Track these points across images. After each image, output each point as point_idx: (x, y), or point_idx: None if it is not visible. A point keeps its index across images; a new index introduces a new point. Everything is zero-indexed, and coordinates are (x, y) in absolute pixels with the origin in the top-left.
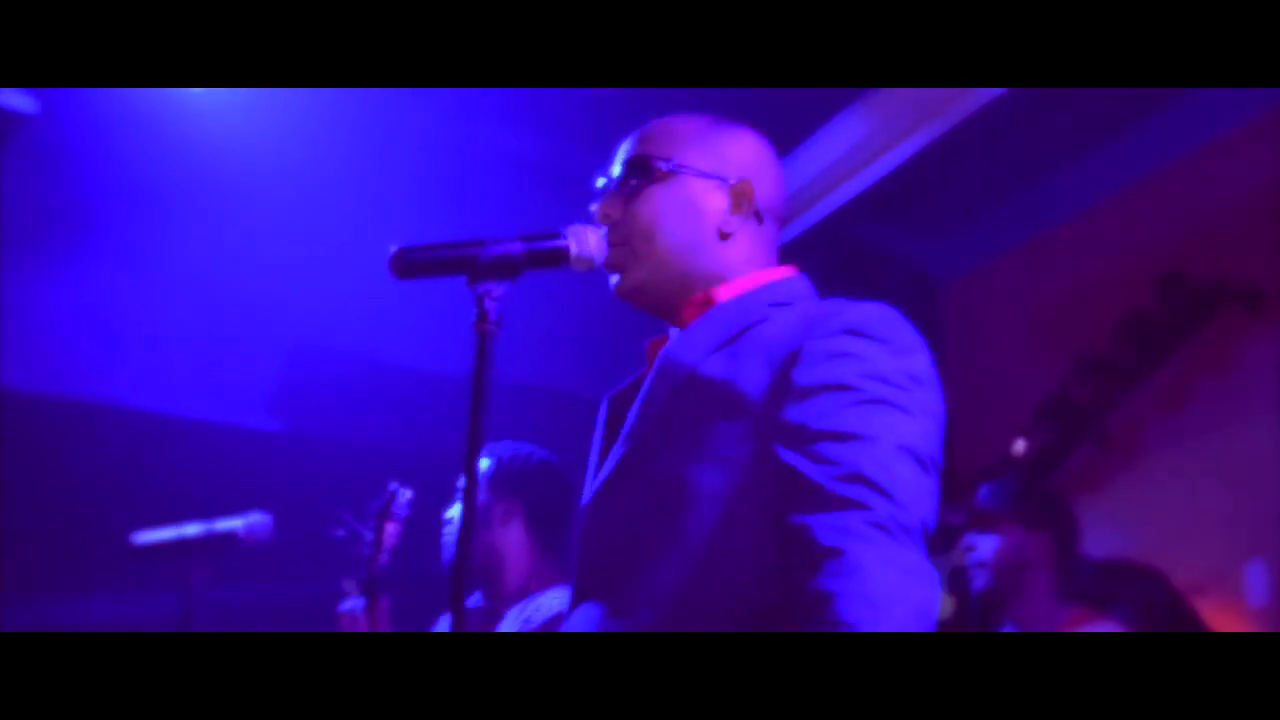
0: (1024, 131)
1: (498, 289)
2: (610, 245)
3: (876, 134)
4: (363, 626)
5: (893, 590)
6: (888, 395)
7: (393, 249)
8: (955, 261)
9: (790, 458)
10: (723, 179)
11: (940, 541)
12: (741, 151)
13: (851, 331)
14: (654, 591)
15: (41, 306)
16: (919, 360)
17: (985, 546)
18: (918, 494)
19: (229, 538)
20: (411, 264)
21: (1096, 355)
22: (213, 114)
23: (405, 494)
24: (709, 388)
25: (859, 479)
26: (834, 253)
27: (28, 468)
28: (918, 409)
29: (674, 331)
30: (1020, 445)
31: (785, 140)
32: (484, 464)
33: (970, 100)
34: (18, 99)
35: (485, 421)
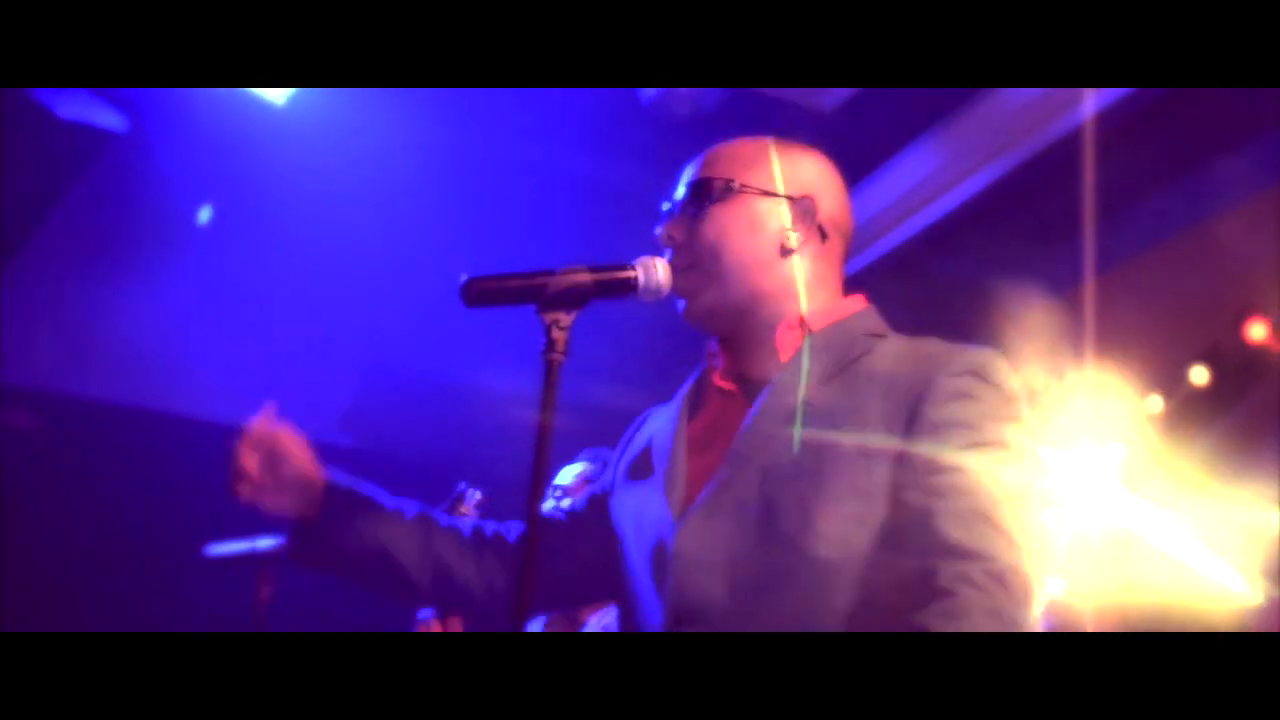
0: (1101, 163)
1: (565, 318)
2: (677, 270)
3: (952, 163)
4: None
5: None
6: (1007, 438)
7: (464, 278)
8: (1033, 290)
9: (915, 493)
10: (785, 195)
11: None
12: (803, 170)
13: (973, 372)
14: (774, 615)
15: (126, 321)
16: (1022, 405)
17: None
18: (1033, 537)
19: None
20: (482, 293)
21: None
22: (289, 134)
23: (475, 494)
24: (830, 419)
25: (982, 518)
26: (907, 282)
27: (109, 477)
28: (1026, 452)
29: (745, 351)
30: None
31: (860, 168)
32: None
33: (1049, 130)
34: (108, 116)
35: (550, 445)
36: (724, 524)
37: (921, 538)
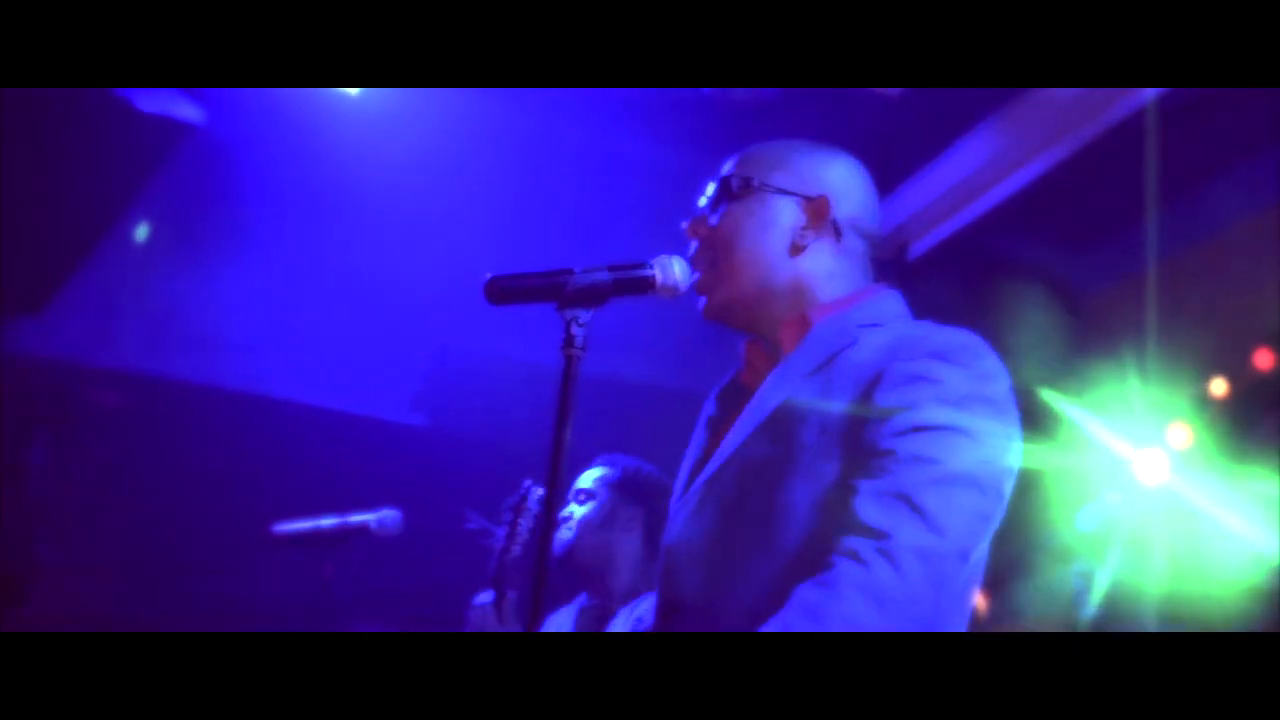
0: (1170, 143)
1: (585, 315)
2: (696, 267)
3: (1017, 144)
4: (492, 620)
5: (846, 611)
6: (958, 421)
7: (487, 277)
8: (1098, 274)
9: (851, 474)
10: (799, 195)
11: None
12: (823, 170)
13: (934, 355)
14: (743, 604)
15: (204, 304)
16: (998, 387)
17: None
18: (965, 520)
19: (361, 530)
20: (504, 292)
21: None
22: (361, 123)
23: (538, 491)
24: (803, 412)
25: (900, 498)
26: (972, 264)
27: (188, 454)
28: (988, 435)
29: (767, 347)
30: None
31: (925, 153)
32: (606, 472)
33: (1115, 109)
34: (186, 109)
35: (568, 436)
36: (707, 517)
37: (840, 516)
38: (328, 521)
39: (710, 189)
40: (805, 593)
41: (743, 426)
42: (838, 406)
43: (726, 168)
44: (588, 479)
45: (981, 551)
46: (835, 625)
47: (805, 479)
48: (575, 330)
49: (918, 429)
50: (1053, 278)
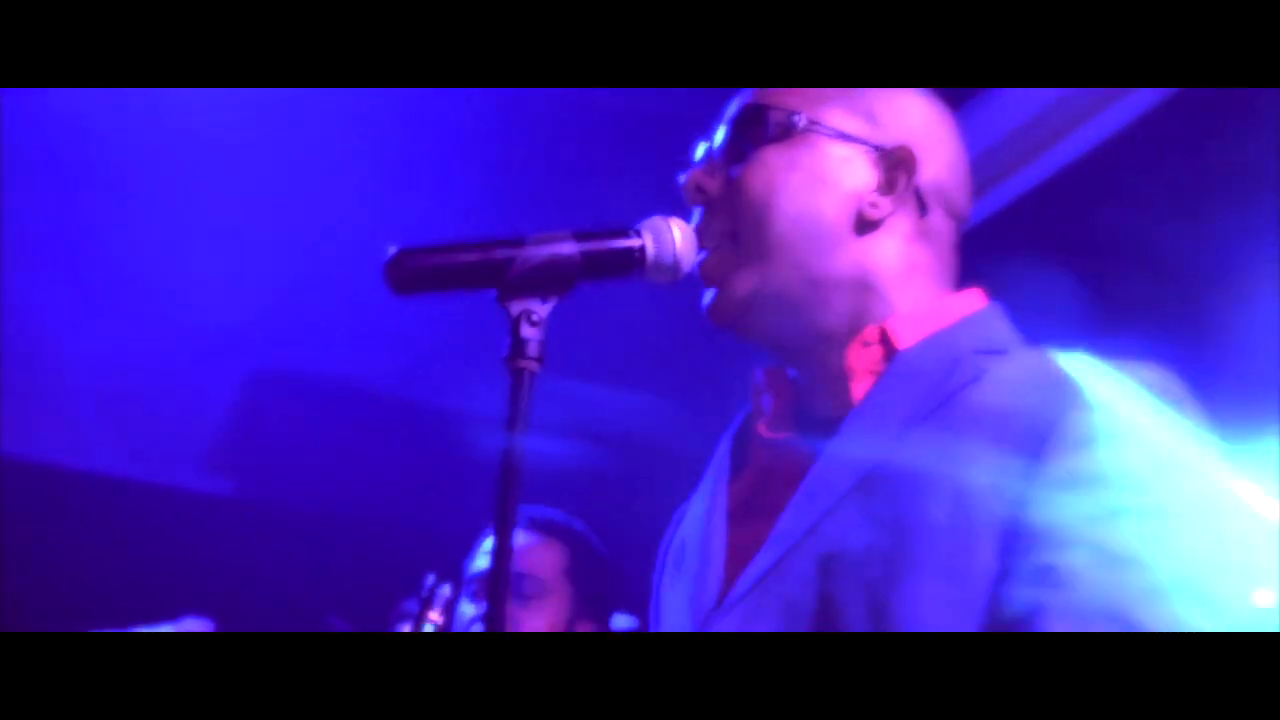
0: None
1: (541, 308)
2: (705, 239)
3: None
4: None
5: None
6: (1168, 498)
7: (391, 251)
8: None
9: (1022, 584)
10: (872, 144)
11: None
12: (902, 110)
13: (1122, 406)
14: None
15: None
16: (1202, 444)
17: None
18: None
19: None
20: (418, 274)
21: None
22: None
23: (445, 590)
24: (918, 479)
25: (1113, 624)
26: (1044, 246)
27: None
28: (1207, 516)
29: (809, 376)
30: None
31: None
32: (550, 549)
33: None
34: None
35: (519, 486)
36: (768, 627)
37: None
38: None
39: (721, 129)
40: None
41: (811, 499)
42: (976, 473)
43: (752, 95)
44: (481, 557)
45: None
46: None
47: (936, 579)
48: (527, 331)
49: (1117, 511)
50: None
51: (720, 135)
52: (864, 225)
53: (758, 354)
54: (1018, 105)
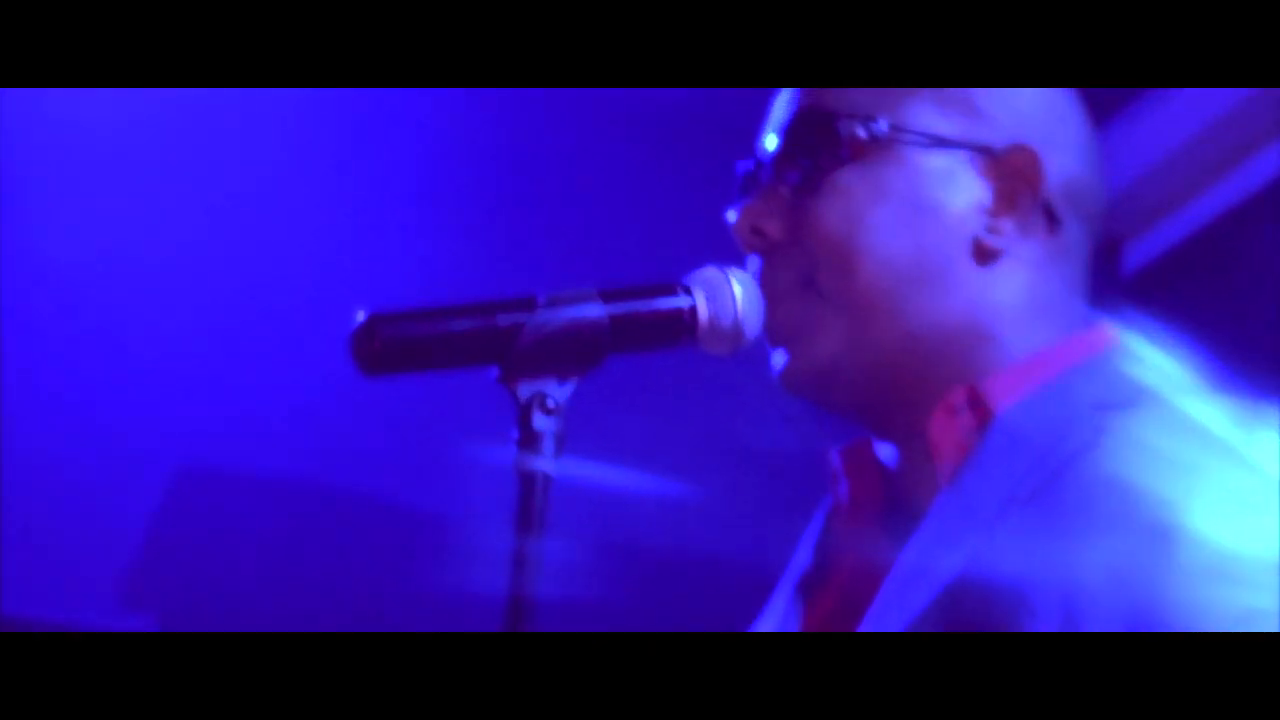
0: None
1: (558, 391)
2: (771, 293)
3: None
4: None
5: None
6: None
7: (360, 318)
8: None
9: None
10: (979, 147)
11: None
12: (1012, 95)
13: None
14: None
15: None
16: None
17: None
18: None
19: None
20: (397, 347)
21: None
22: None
23: None
24: (1014, 585)
25: None
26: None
27: None
28: None
29: (887, 450)
30: None
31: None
32: None
33: None
34: None
35: (530, 619)
36: None
37: None
38: None
39: (773, 141)
40: None
41: (891, 607)
42: (1078, 568)
43: (810, 96)
44: None
45: None
46: None
47: None
48: (540, 422)
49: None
50: None
51: (775, 150)
52: (981, 257)
53: (839, 424)
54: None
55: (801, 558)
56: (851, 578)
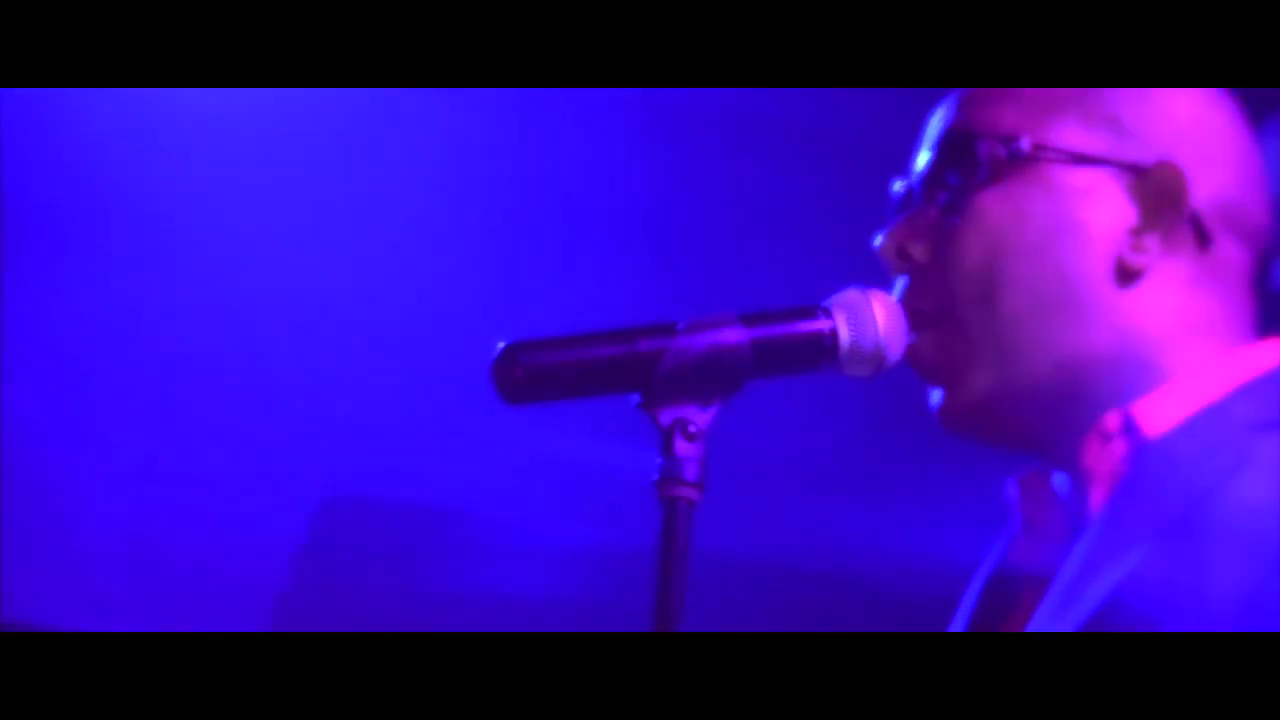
0: None
1: (700, 416)
2: (916, 322)
3: None
4: None
5: None
6: None
7: (499, 347)
8: None
9: None
10: (1123, 163)
11: None
12: (1161, 108)
13: None
14: None
15: None
16: None
17: None
18: None
19: None
20: (540, 375)
21: None
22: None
23: None
24: (1157, 618)
25: None
26: None
27: None
28: None
29: (1061, 478)
30: None
31: None
32: None
33: None
34: None
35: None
36: None
37: None
38: None
39: (923, 159)
40: None
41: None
42: (1226, 604)
43: (956, 111)
44: None
45: None
46: None
47: None
48: (683, 448)
49: None
50: None
51: (923, 170)
52: (1125, 277)
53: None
54: None
55: (980, 588)
56: (1026, 609)
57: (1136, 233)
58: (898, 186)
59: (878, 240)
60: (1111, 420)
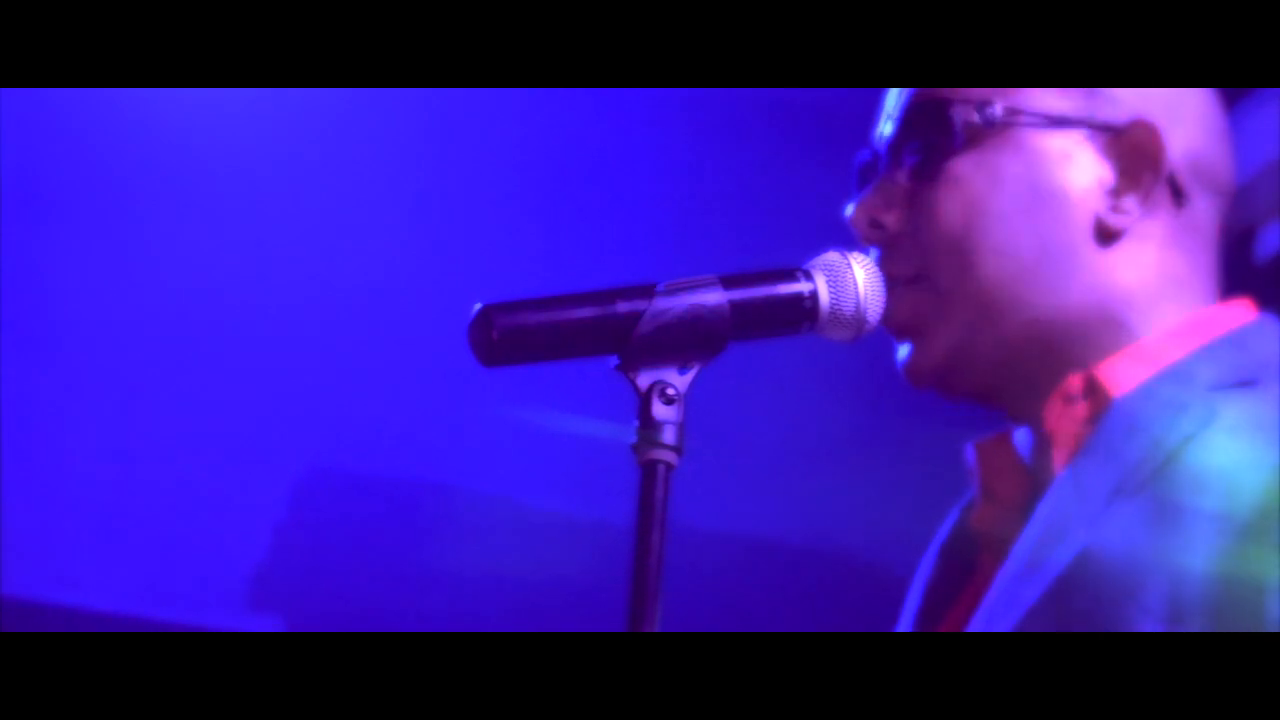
0: None
1: (679, 380)
2: (893, 281)
3: None
4: None
5: None
6: None
7: (477, 309)
8: None
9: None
10: (1097, 124)
11: None
12: None
13: None
14: None
15: None
16: None
17: None
18: None
19: None
20: (516, 337)
21: None
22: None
23: None
24: (1123, 578)
25: None
26: None
27: None
28: None
29: (1024, 437)
30: None
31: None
32: None
33: None
34: None
35: (655, 614)
36: None
37: None
38: None
39: (887, 128)
40: None
41: (991, 619)
42: (1196, 563)
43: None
44: None
45: None
46: None
47: None
48: (660, 411)
49: None
50: None
51: (889, 139)
52: (1105, 237)
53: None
54: None
55: (938, 554)
56: (985, 574)
57: (1115, 193)
58: (861, 159)
59: (849, 210)
60: (1074, 382)
